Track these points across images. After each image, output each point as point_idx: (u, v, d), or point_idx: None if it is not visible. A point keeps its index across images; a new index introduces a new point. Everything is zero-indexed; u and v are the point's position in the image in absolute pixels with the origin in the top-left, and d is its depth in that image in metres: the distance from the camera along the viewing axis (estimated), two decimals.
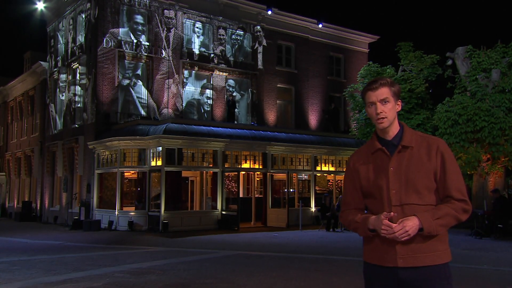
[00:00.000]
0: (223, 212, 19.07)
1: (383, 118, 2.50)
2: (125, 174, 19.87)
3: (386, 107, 2.51)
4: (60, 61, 24.89)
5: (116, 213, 18.88)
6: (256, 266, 9.68)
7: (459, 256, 10.86)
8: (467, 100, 18.67)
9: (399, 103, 2.56)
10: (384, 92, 2.51)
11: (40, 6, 24.51)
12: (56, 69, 25.20)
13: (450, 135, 18.87)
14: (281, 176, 21.64)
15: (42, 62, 26.82)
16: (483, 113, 17.69)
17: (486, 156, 18.64)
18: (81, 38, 22.69)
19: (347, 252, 11.78)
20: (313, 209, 21.56)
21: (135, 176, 20.74)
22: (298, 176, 22.28)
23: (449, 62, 20.95)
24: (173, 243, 14.04)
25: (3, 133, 34.13)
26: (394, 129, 2.56)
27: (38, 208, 26.53)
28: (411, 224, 2.33)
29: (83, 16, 22.40)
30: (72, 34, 23.65)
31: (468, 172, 19.34)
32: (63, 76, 24.42)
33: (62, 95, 24.49)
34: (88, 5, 21.76)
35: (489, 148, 18.25)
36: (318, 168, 22.21)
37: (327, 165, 22.57)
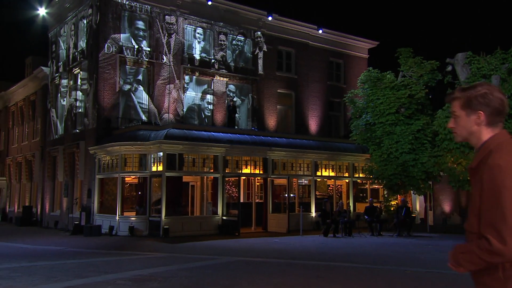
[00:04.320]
0: (224, 218, 19.01)
1: (454, 133, 2.35)
2: (126, 179, 19.82)
3: (457, 122, 2.28)
4: (61, 66, 24.90)
5: (117, 218, 18.81)
6: (257, 273, 9.62)
7: None
8: None
9: (479, 113, 2.18)
10: (453, 106, 2.31)
11: (42, 11, 24.51)
12: (57, 74, 25.20)
13: (450, 141, 18.88)
14: (282, 181, 21.60)
15: (43, 67, 26.82)
16: None
17: None
18: (82, 44, 22.71)
19: (348, 258, 11.73)
20: (313, 214, 21.50)
21: (135, 181, 20.70)
22: (299, 181, 22.24)
23: (449, 68, 20.99)
24: (174, 249, 13.98)
25: (4, 138, 34.08)
26: (477, 143, 2.23)
27: (39, 212, 26.44)
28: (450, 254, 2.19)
29: (85, 22, 22.43)
30: (73, 39, 23.67)
31: (468, 178, 19.29)
32: (64, 81, 24.42)
33: (63, 100, 24.47)
34: (90, 11, 21.79)
35: None
36: (319, 173, 22.16)
37: (327, 170, 22.53)
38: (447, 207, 25.30)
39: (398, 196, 22.37)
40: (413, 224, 19.60)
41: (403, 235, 17.94)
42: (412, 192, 23.06)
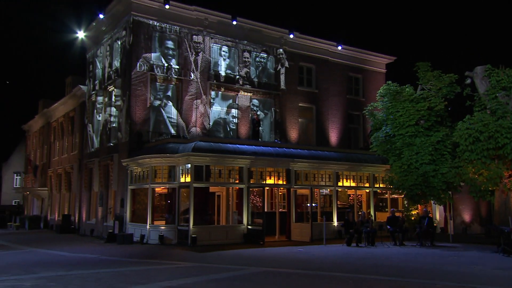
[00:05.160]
0: (249, 227, 18.43)
1: None
2: (156, 189, 19.50)
3: None
4: (97, 84, 25.04)
5: (148, 227, 18.47)
6: (285, 285, 8.97)
7: (493, 277, 9.90)
8: (488, 117, 17.71)
9: None
10: None
11: (80, 35, 24.91)
12: (94, 92, 25.35)
13: (472, 152, 17.90)
14: (304, 191, 20.91)
15: (81, 86, 27.08)
16: (504, 130, 16.70)
17: (508, 173, 17.51)
18: (116, 63, 22.77)
19: (375, 270, 10.93)
20: (335, 223, 20.70)
21: (165, 191, 20.36)
22: (320, 191, 21.48)
23: (468, 81, 20.02)
24: (202, 258, 13.45)
25: (46, 151, 34.54)
26: None
27: (77, 221, 26.45)
28: None
29: (119, 43, 22.51)
30: (108, 59, 23.79)
31: (490, 188, 18.23)
32: (100, 98, 24.51)
33: (99, 116, 24.54)
34: (124, 32, 21.85)
35: (511, 164, 17.13)
36: (340, 184, 21.37)
37: (348, 181, 21.72)
38: (467, 216, 24.07)
39: (419, 206, 21.33)
40: (435, 233, 18.54)
41: (426, 245, 16.95)
42: (432, 202, 21.97)
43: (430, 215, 19.83)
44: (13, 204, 45.05)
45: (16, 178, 47.39)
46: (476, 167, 18.20)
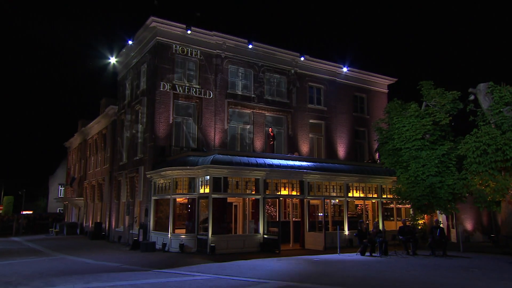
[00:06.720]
0: (265, 236, 16.56)
1: None
2: (177, 200, 17.86)
3: None
4: (126, 104, 23.82)
5: (169, 235, 16.74)
6: None
7: None
8: (495, 131, 15.78)
9: None
10: None
11: (112, 60, 23.97)
12: (123, 110, 24.13)
13: (479, 164, 15.95)
14: (316, 201, 19.02)
15: (113, 106, 25.94)
16: None
17: None
18: (143, 84, 21.53)
19: (398, 285, 8.96)
20: (346, 232, 18.69)
21: (185, 201, 18.72)
22: (332, 201, 19.57)
23: (471, 97, 18.17)
24: (221, 269, 11.63)
25: (83, 165, 33.41)
26: None
27: (107, 228, 24.91)
28: None
29: (145, 66, 21.32)
30: (136, 81, 22.60)
31: (497, 199, 16.17)
32: (128, 116, 23.23)
33: (127, 132, 23.21)
34: (150, 56, 20.66)
35: None
36: (350, 194, 19.42)
37: (357, 192, 19.76)
38: (468, 225, 21.82)
39: (425, 216, 19.21)
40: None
41: (439, 255, 14.81)
42: (438, 211, 19.82)
43: (441, 225, 17.68)
44: (57, 212, 44.08)
45: (60, 189, 46.67)
46: (483, 179, 16.20)
